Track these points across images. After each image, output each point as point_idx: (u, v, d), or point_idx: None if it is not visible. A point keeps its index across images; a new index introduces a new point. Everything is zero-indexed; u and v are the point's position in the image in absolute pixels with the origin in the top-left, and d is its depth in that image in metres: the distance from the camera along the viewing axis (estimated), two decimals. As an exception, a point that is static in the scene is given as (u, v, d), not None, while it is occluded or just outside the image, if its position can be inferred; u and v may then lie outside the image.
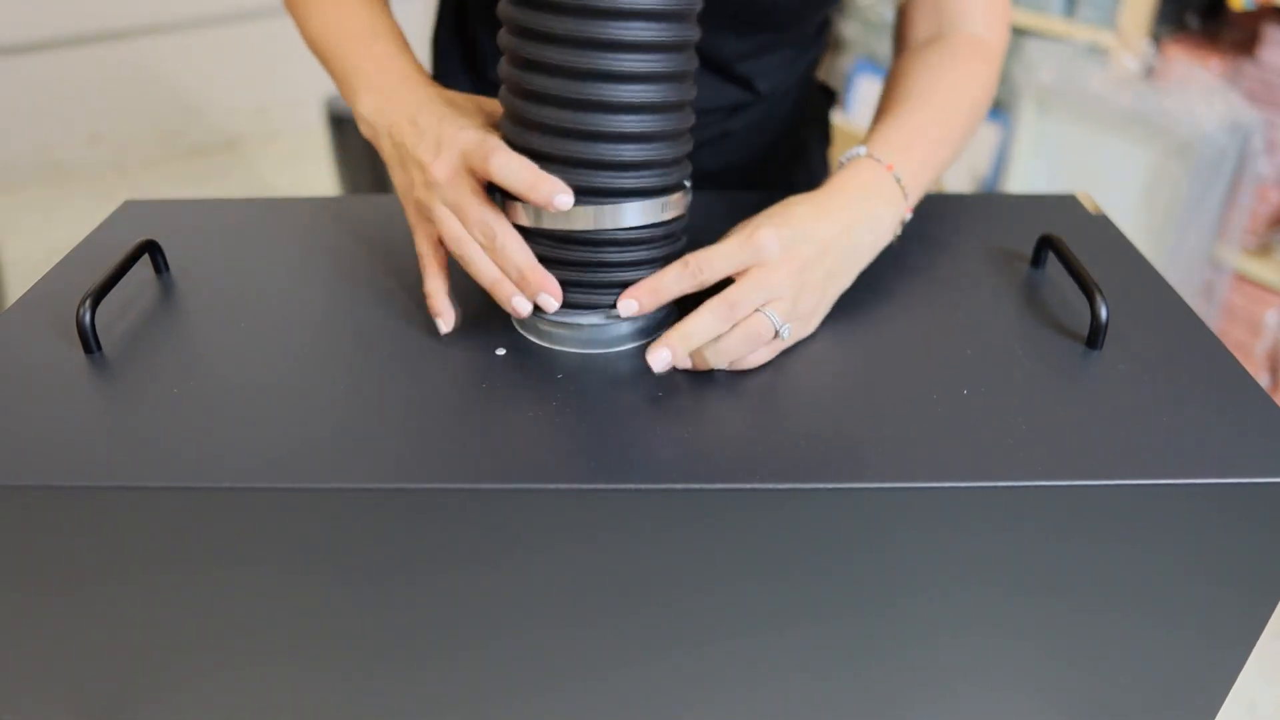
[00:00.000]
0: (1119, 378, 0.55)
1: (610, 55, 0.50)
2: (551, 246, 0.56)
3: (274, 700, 0.57)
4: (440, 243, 0.58)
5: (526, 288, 0.55)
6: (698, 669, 0.55)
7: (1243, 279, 1.75)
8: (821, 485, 0.47)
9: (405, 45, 0.66)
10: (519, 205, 0.55)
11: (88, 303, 0.56)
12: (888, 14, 2.25)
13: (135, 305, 0.62)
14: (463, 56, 0.84)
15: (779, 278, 0.55)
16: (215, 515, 0.49)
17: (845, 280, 0.60)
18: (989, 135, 2.07)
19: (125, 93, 2.89)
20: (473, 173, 0.55)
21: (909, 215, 0.63)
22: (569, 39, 0.50)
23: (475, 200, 0.55)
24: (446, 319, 0.58)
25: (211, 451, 0.49)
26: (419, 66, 0.64)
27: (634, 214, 0.54)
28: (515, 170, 0.53)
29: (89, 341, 0.57)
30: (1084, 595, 0.52)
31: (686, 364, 0.56)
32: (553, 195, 0.52)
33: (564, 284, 0.56)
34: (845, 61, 2.41)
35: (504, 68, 0.54)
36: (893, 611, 0.52)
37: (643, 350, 0.57)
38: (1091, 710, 0.57)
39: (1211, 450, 0.49)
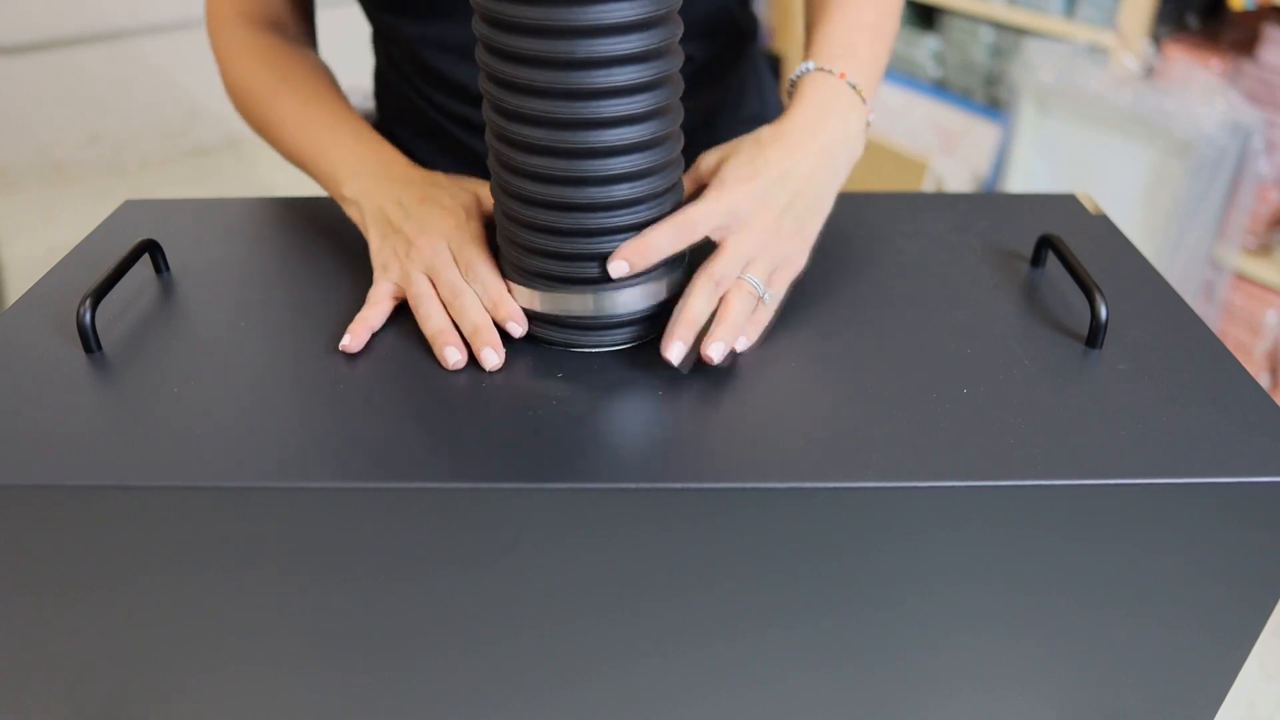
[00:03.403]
0: (1119, 377, 0.55)
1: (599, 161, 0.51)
2: (542, 323, 0.58)
3: (274, 699, 0.57)
4: (433, 289, 0.59)
5: (477, 339, 0.56)
6: (698, 668, 0.55)
7: (1243, 279, 1.75)
8: (821, 485, 0.47)
9: (372, 130, 0.70)
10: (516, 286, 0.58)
11: (88, 302, 0.56)
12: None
13: (135, 305, 0.62)
14: (414, 119, 0.85)
15: (753, 240, 0.56)
16: (215, 515, 0.49)
17: (824, 211, 0.60)
18: (989, 135, 2.07)
19: (125, 93, 2.88)
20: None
21: (871, 116, 0.63)
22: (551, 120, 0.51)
23: (452, 267, 0.58)
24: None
25: (212, 451, 0.49)
26: (392, 148, 0.68)
27: (635, 298, 0.56)
28: (484, 282, 0.57)
29: (89, 341, 0.57)
30: (1084, 595, 0.52)
31: (709, 355, 0.54)
32: (506, 321, 0.57)
33: (566, 339, 0.58)
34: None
35: (490, 119, 0.54)
36: (892, 611, 0.52)
37: (640, 349, 0.57)
38: (1092, 710, 0.57)
39: (1211, 450, 0.49)
